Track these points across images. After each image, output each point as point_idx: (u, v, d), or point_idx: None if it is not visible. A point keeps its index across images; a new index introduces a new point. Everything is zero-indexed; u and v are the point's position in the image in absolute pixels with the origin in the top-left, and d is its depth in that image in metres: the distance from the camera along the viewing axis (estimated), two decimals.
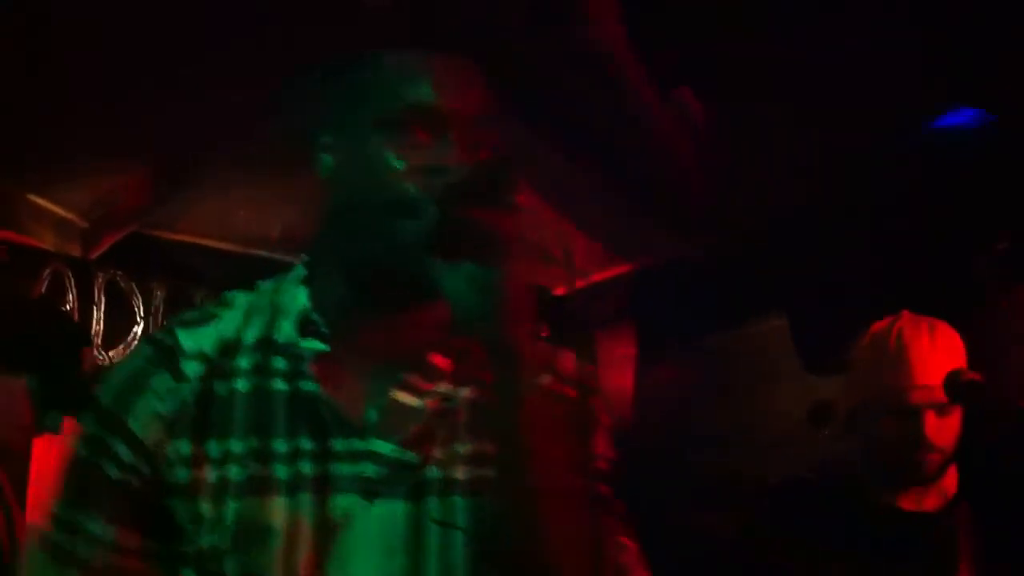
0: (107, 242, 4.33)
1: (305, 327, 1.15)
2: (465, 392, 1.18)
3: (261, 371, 1.14)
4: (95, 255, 4.40)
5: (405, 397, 1.15)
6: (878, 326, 2.01)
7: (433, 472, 1.14)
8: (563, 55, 2.91)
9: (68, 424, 2.45)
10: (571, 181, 3.77)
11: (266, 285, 1.23)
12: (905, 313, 1.99)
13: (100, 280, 4.68)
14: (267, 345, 1.16)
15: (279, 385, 1.13)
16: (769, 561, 1.93)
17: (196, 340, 1.15)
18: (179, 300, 4.82)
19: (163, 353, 1.15)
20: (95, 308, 4.68)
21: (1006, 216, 3.18)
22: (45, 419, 2.28)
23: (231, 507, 1.07)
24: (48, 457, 2.34)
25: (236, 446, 1.10)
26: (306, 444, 1.11)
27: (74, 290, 4.49)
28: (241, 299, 1.22)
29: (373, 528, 1.09)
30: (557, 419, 1.08)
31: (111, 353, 4.41)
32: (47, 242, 4.14)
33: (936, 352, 1.90)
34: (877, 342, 1.96)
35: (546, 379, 1.12)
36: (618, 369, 5.18)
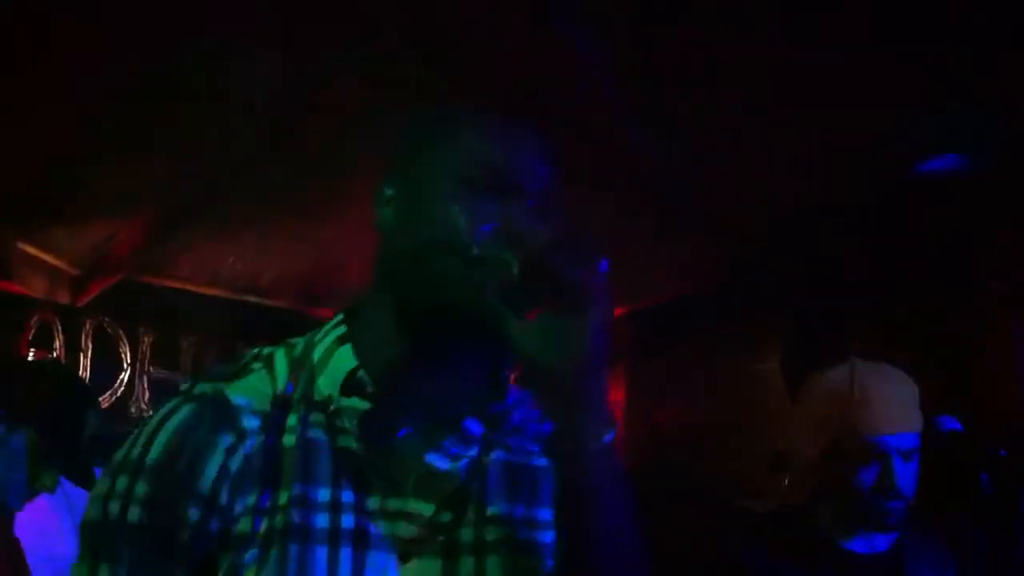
0: (96, 289, 4.31)
1: (350, 386, 1.14)
2: (499, 455, 1.19)
3: (306, 425, 1.14)
4: (83, 302, 4.38)
5: (439, 460, 1.16)
6: (831, 373, 1.99)
7: (466, 534, 1.15)
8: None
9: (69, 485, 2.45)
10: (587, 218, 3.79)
11: (300, 340, 1.22)
12: (856, 359, 1.98)
13: (87, 327, 4.68)
14: (308, 401, 1.15)
15: (322, 438, 1.13)
16: None
17: (246, 395, 1.14)
18: (166, 346, 4.81)
19: (219, 410, 1.12)
20: (82, 355, 4.67)
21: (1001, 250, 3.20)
22: (42, 477, 2.26)
23: (274, 554, 1.07)
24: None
25: (283, 497, 1.09)
26: (348, 497, 1.11)
27: (61, 337, 4.48)
28: (279, 354, 1.20)
29: None
30: (619, 474, 1.09)
31: (99, 399, 4.38)
32: (37, 290, 4.13)
33: (899, 398, 1.91)
34: (835, 389, 1.94)
35: (611, 433, 1.09)
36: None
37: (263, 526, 1.08)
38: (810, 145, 3.09)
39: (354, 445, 1.13)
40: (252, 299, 4.63)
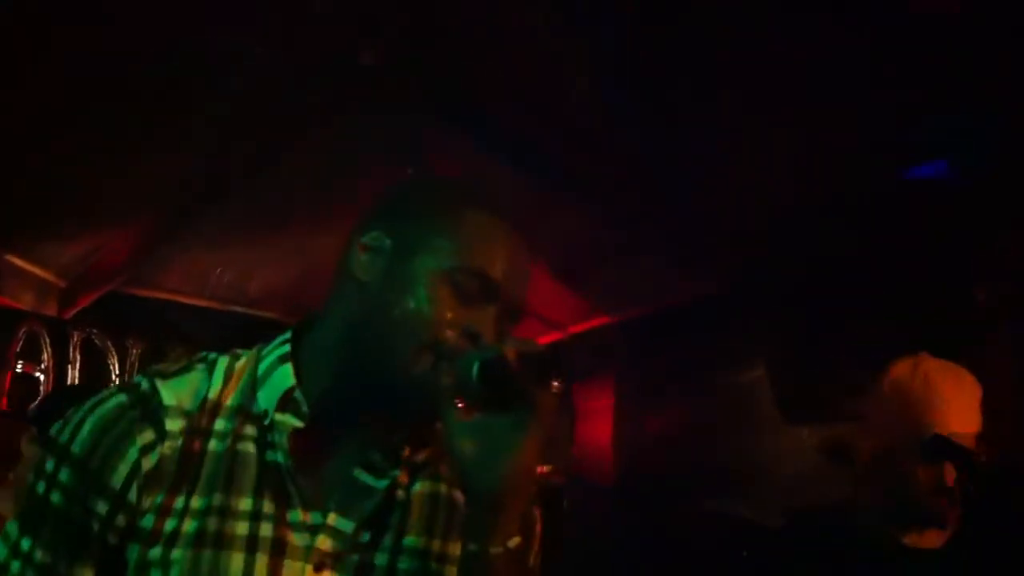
0: (84, 301, 4.30)
1: (286, 403, 1.18)
2: (422, 486, 1.24)
3: (236, 435, 1.18)
4: (70, 314, 4.37)
5: (366, 476, 1.20)
6: (898, 368, 1.98)
7: (381, 558, 1.20)
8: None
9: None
10: (550, 233, 3.80)
11: (245, 353, 1.25)
12: (925, 356, 1.97)
13: (75, 338, 4.68)
14: (244, 413, 1.19)
15: (250, 449, 1.17)
16: None
17: (177, 395, 1.18)
18: (154, 357, 4.80)
19: (146, 407, 1.16)
20: (70, 367, 4.66)
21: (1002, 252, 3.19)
22: None
23: (181, 555, 1.12)
24: None
25: (199, 502, 1.14)
26: (268, 508, 1.16)
27: (49, 349, 4.47)
28: (221, 361, 1.24)
29: None
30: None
31: None
32: (24, 302, 4.12)
33: (963, 398, 1.89)
34: (900, 385, 1.93)
35: (516, 542, 1.13)
36: (596, 420, 5.19)
37: (171, 526, 1.13)
38: (809, 145, 3.09)
39: (281, 460, 1.17)
40: (239, 310, 4.63)
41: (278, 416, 1.17)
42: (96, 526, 1.13)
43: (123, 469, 1.13)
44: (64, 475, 1.14)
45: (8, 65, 2.63)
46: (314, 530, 1.16)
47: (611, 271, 4.15)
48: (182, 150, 3.09)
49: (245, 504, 1.15)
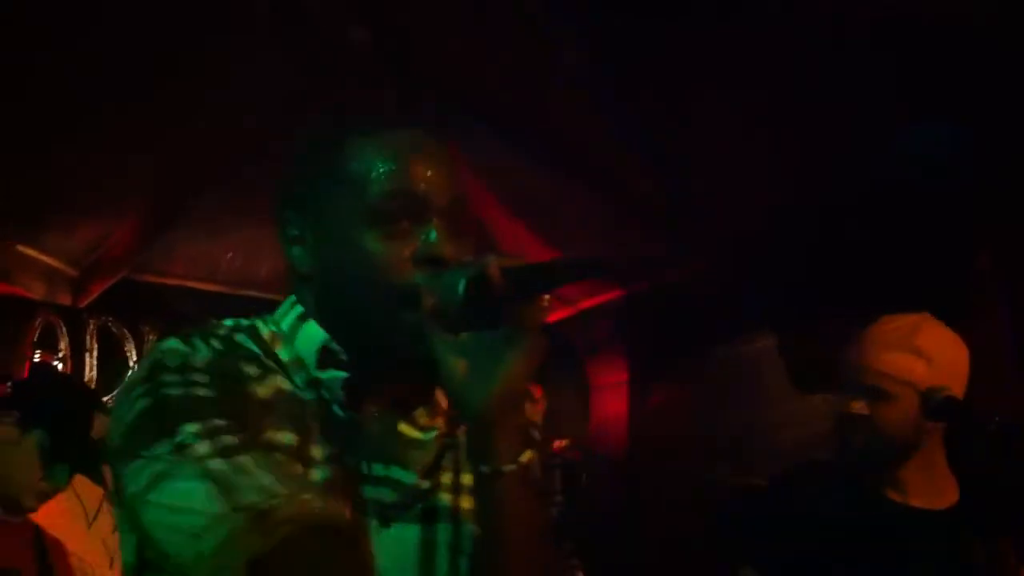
0: (97, 289, 4.34)
1: (325, 358, 1.15)
2: (464, 429, 1.19)
3: (298, 387, 1.14)
4: (85, 303, 4.41)
5: (412, 431, 1.18)
6: (890, 322, 1.97)
7: (443, 500, 1.18)
8: None
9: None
10: (560, 207, 3.81)
11: (255, 320, 1.20)
12: (925, 315, 1.96)
13: (92, 327, 4.72)
14: (298, 367, 1.15)
15: (313, 405, 1.14)
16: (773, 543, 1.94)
17: (233, 346, 1.13)
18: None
19: (225, 347, 1.12)
20: (88, 355, 4.70)
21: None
22: (55, 477, 2.31)
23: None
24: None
25: (287, 438, 1.10)
26: (337, 457, 1.12)
27: (66, 338, 4.51)
28: (244, 323, 1.18)
29: (387, 550, 1.12)
30: (531, 497, 1.11)
31: (106, 399, 4.41)
32: (37, 292, 4.15)
33: (948, 357, 1.89)
34: (888, 336, 1.93)
35: (528, 456, 1.11)
36: (611, 395, 5.20)
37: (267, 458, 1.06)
38: (819, 120, 3.08)
39: (340, 413, 1.14)
40: (252, 293, 4.65)
41: (323, 373, 1.14)
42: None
43: (239, 392, 1.09)
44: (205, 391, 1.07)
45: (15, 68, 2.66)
46: (377, 483, 1.14)
47: (618, 245, 4.15)
48: (185, 138, 3.11)
49: (318, 451, 1.11)
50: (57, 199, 3.52)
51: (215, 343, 1.13)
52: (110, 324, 4.76)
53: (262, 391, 1.11)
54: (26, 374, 4.23)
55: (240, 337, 1.16)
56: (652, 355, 4.89)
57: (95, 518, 2.63)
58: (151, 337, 4.95)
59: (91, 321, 4.63)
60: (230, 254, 4.32)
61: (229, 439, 1.03)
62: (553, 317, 5.37)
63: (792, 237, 3.71)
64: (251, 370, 1.12)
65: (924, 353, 1.89)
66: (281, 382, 1.14)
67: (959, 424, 1.88)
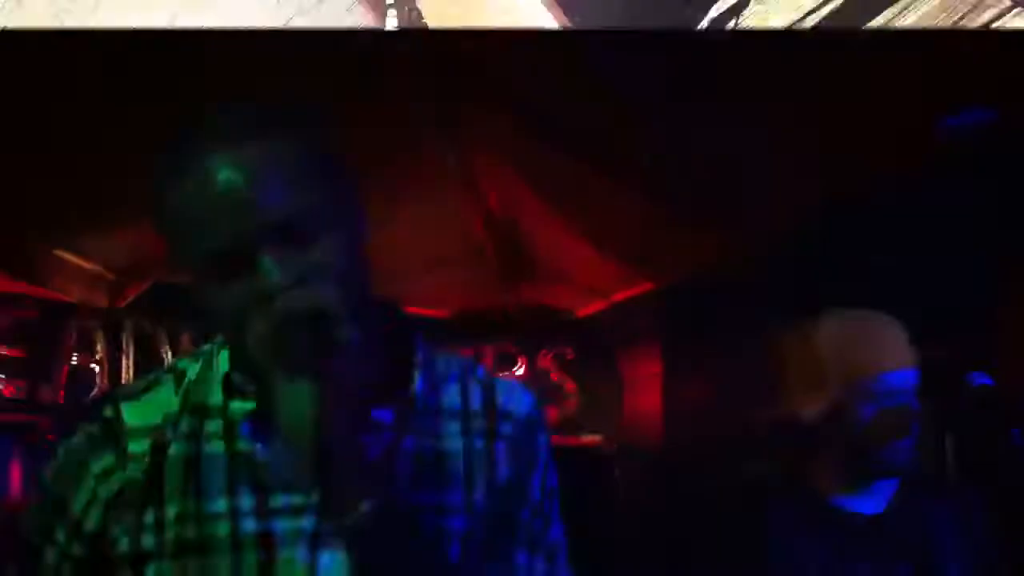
0: (133, 292, 4.37)
1: (229, 390, 1.15)
2: (405, 443, 1.16)
3: (198, 436, 1.14)
4: (121, 305, 4.45)
5: None
6: (815, 326, 1.96)
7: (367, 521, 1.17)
8: None
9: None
10: (595, 202, 3.80)
11: (206, 348, 1.21)
12: (834, 310, 1.95)
13: (128, 329, 4.76)
14: (202, 410, 1.15)
15: (216, 448, 1.13)
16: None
17: (142, 415, 1.16)
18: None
19: (108, 433, 1.15)
20: (124, 357, 4.74)
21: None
22: None
23: (169, 569, 1.09)
24: None
25: (173, 511, 1.11)
26: (247, 502, 1.11)
27: (103, 340, 4.55)
28: (183, 364, 1.20)
29: None
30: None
31: None
32: (73, 295, 4.19)
33: (891, 336, 1.86)
34: (824, 340, 1.91)
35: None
36: (645, 388, 5.18)
37: (150, 543, 1.11)
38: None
39: (250, 447, 1.13)
40: None
41: (232, 404, 1.14)
42: (53, 554, 1.16)
43: (81, 498, 1.14)
44: (34, 507, 1.20)
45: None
46: (298, 512, 1.11)
47: (653, 238, 4.14)
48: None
49: (220, 505, 1.11)
50: (91, 207, 3.54)
51: (96, 429, 1.17)
52: (145, 326, 4.79)
53: (119, 483, 1.14)
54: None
55: (142, 404, 1.17)
56: (686, 348, 4.86)
57: None
58: (186, 338, 4.99)
59: (127, 323, 4.67)
60: None
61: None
62: (586, 310, 5.36)
63: (828, 232, 3.68)
64: (106, 462, 1.15)
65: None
66: (174, 447, 1.14)
67: (997, 411, 1.86)
